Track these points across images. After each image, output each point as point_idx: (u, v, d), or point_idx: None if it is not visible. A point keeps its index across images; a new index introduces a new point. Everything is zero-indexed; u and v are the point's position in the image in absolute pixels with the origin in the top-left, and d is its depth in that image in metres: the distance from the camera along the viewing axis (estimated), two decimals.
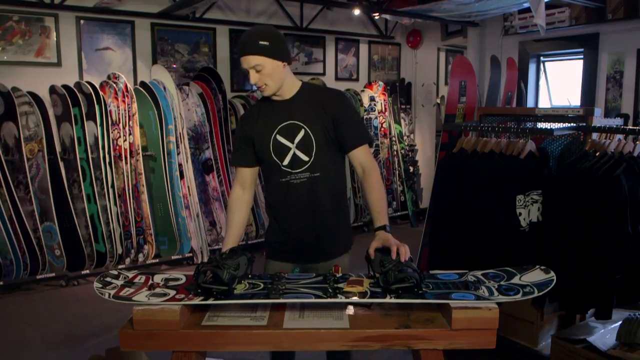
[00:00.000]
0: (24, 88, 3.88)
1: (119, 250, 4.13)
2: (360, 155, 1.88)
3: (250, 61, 1.78)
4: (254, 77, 1.80)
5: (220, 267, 1.53)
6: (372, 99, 5.72)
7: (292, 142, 1.86)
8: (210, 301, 1.50)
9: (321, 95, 1.92)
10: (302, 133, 1.85)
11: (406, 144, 6.09)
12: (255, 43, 1.78)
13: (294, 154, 1.86)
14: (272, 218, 2.00)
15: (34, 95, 3.90)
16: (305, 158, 1.86)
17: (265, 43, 1.78)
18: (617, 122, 3.21)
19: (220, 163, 4.62)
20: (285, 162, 1.87)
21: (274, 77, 1.82)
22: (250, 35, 1.82)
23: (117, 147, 4.13)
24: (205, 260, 4.43)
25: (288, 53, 1.88)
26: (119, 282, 1.60)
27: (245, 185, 1.98)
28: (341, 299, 1.51)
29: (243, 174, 1.98)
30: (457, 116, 4.55)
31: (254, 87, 5.21)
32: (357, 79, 6.10)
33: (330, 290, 1.54)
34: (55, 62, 4.21)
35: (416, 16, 5.17)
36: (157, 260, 4.44)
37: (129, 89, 4.20)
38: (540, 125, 2.98)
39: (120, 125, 4.14)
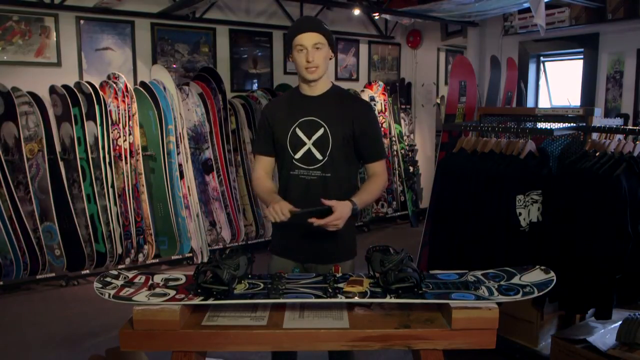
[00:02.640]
0: (24, 88, 3.88)
1: (119, 250, 4.13)
2: (376, 169, 1.96)
3: (314, 38, 1.82)
4: (312, 54, 1.82)
5: (220, 267, 1.53)
6: (372, 99, 5.72)
7: (309, 139, 1.88)
8: (210, 301, 1.50)
9: (350, 101, 1.97)
10: (321, 131, 1.88)
11: (406, 144, 6.09)
12: (320, 24, 1.86)
13: (309, 150, 1.89)
14: None
15: (34, 95, 3.90)
16: (319, 157, 1.89)
17: (327, 28, 1.87)
18: (617, 122, 3.21)
19: (220, 163, 4.62)
20: (298, 155, 1.90)
21: (324, 64, 1.87)
22: (312, 18, 1.93)
23: (117, 147, 4.13)
24: (205, 260, 4.43)
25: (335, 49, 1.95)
26: (119, 282, 1.60)
27: (267, 170, 2.02)
28: (341, 299, 1.51)
29: (263, 160, 2.01)
30: (457, 116, 4.55)
31: (255, 87, 5.27)
32: (357, 79, 6.10)
33: (330, 290, 1.54)
34: (55, 62, 4.21)
35: (416, 16, 5.17)
36: (157, 260, 4.44)
37: (129, 89, 4.20)
38: (540, 125, 2.98)
39: (120, 125, 4.14)
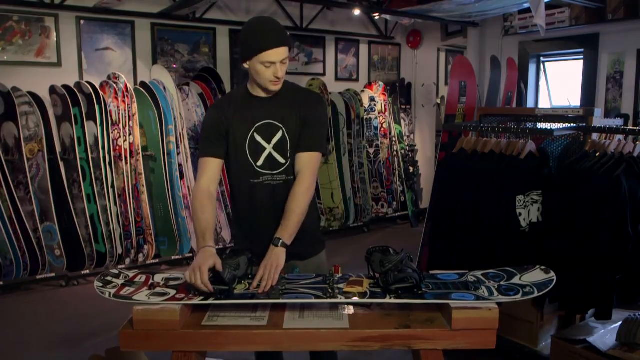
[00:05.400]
0: (24, 88, 3.87)
1: (119, 251, 4.13)
2: (304, 160, 1.79)
3: (282, 53, 1.69)
4: (280, 70, 1.71)
5: (222, 266, 1.54)
6: (372, 99, 5.72)
7: (269, 143, 1.80)
8: (210, 301, 1.50)
9: (299, 96, 1.85)
10: (279, 134, 1.79)
11: (406, 144, 6.09)
12: (286, 34, 1.72)
13: (270, 154, 1.80)
14: (241, 219, 1.91)
15: (34, 95, 3.90)
16: (282, 160, 1.81)
17: (289, 34, 1.74)
18: (617, 122, 3.20)
19: None
20: (260, 162, 1.80)
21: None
22: (276, 25, 1.73)
23: (117, 147, 4.13)
24: None
25: None
26: (120, 282, 1.61)
27: (213, 178, 1.81)
28: (341, 299, 1.51)
29: (212, 165, 1.81)
30: (457, 116, 4.55)
31: None
32: (357, 80, 6.10)
33: (330, 290, 1.54)
34: (55, 62, 4.21)
35: (416, 16, 5.17)
36: (157, 261, 4.44)
37: (129, 89, 4.20)
38: (540, 125, 2.98)
39: (120, 125, 4.14)
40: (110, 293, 1.52)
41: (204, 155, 1.82)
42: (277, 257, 1.64)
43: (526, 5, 4.35)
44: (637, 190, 2.36)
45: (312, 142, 1.80)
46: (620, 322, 2.35)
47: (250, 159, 1.80)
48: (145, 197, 4.26)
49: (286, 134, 1.79)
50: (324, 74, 5.80)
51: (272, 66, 1.70)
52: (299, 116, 1.79)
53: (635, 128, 2.91)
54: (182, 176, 4.37)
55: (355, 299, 1.52)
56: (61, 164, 4.00)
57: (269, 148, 1.80)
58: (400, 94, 6.12)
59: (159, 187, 4.31)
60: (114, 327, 3.06)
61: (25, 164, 3.79)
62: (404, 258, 1.57)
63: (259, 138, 1.80)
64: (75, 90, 4.02)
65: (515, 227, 2.50)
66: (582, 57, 4.89)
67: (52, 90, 4.06)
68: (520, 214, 2.50)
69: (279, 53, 1.69)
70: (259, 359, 2.09)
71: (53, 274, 3.99)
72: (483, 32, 5.55)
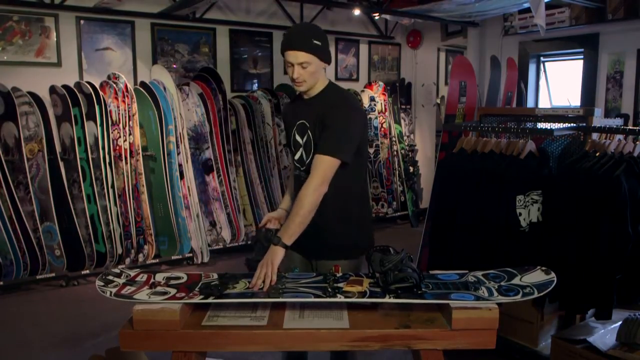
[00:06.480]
0: (24, 88, 3.88)
1: (119, 251, 4.13)
2: (315, 162, 1.82)
3: (300, 57, 1.81)
4: (297, 73, 1.83)
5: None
6: (372, 99, 5.72)
7: (302, 140, 1.93)
8: (211, 300, 1.50)
9: (327, 99, 1.92)
10: (307, 134, 1.91)
11: (406, 144, 6.08)
12: (309, 40, 1.82)
13: (302, 151, 1.93)
14: None
15: (34, 95, 3.90)
16: (305, 159, 1.92)
17: (318, 43, 1.83)
18: (617, 122, 3.21)
19: (220, 163, 4.62)
20: (296, 157, 1.96)
21: (314, 76, 1.86)
22: (304, 31, 1.87)
23: (117, 147, 4.13)
24: (205, 260, 4.45)
25: (330, 55, 1.94)
26: (121, 281, 1.61)
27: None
28: (340, 298, 1.51)
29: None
30: (457, 116, 4.55)
31: (255, 87, 5.27)
32: (357, 79, 6.10)
33: (329, 289, 1.55)
34: (55, 62, 4.21)
35: (416, 16, 5.17)
36: (157, 261, 4.44)
37: (129, 89, 4.20)
38: (540, 125, 2.98)
39: (120, 125, 4.14)
40: (111, 292, 1.52)
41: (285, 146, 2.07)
42: (272, 256, 1.70)
43: (526, 5, 4.35)
44: (637, 190, 2.36)
45: (325, 145, 1.83)
46: (620, 322, 2.35)
47: (293, 153, 1.99)
48: (145, 197, 4.26)
49: (310, 135, 1.90)
50: None
51: (292, 67, 1.84)
52: (320, 119, 1.87)
53: (635, 128, 2.91)
54: (182, 176, 4.37)
55: (355, 299, 1.52)
56: (61, 164, 4.00)
57: (302, 146, 1.93)
58: (400, 93, 6.12)
59: (159, 187, 4.31)
60: (114, 327, 3.07)
61: (25, 164, 3.79)
62: (403, 258, 1.57)
63: (297, 136, 1.95)
64: (75, 90, 4.02)
65: (515, 227, 2.50)
66: (582, 57, 4.89)
67: (52, 90, 4.06)
68: (520, 214, 2.50)
69: (296, 56, 1.81)
70: (284, 357, 2.13)
71: (53, 274, 3.99)
72: (483, 32, 5.56)
